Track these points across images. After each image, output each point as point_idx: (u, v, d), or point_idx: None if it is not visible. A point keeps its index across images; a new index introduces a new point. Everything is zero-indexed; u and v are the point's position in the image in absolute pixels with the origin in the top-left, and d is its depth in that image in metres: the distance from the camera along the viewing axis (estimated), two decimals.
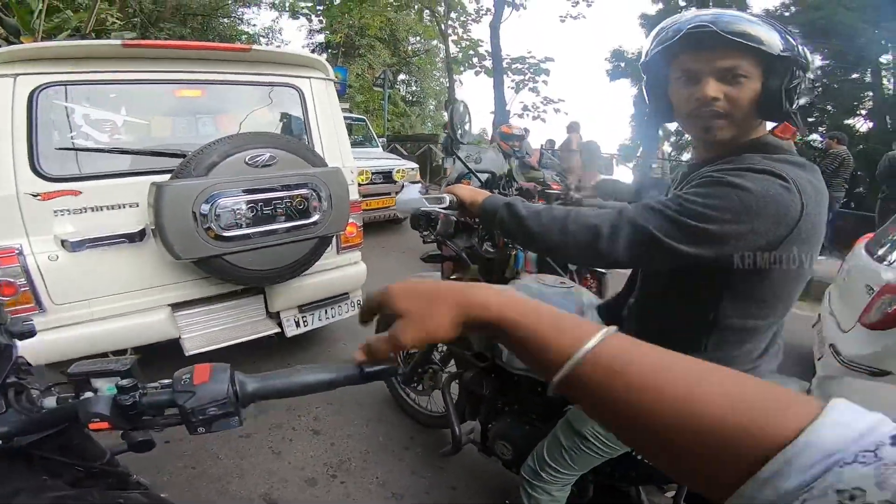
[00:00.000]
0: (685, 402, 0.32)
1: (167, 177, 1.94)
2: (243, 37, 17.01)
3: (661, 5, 14.15)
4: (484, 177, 1.63)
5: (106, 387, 0.53)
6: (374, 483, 1.92)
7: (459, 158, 1.40)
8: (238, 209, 1.96)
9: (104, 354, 2.02)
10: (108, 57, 2.00)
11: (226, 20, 16.84)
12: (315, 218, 2.18)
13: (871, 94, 12.74)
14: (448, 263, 1.63)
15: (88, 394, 0.54)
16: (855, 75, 12.66)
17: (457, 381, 1.72)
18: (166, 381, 0.54)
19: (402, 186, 1.16)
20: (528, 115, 13.12)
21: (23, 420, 0.55)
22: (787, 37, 0.83)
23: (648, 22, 14.02)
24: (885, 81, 12.49)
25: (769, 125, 0.93)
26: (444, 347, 1.76)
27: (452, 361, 1.84)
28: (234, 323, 2.39)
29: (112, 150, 2.02)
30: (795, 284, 0.90)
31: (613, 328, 0.39)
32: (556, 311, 0.42)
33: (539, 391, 1.42)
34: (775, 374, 1.01)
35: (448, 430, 1.71)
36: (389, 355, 0.49)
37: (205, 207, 1.88)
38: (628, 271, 1.18)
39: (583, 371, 0.37)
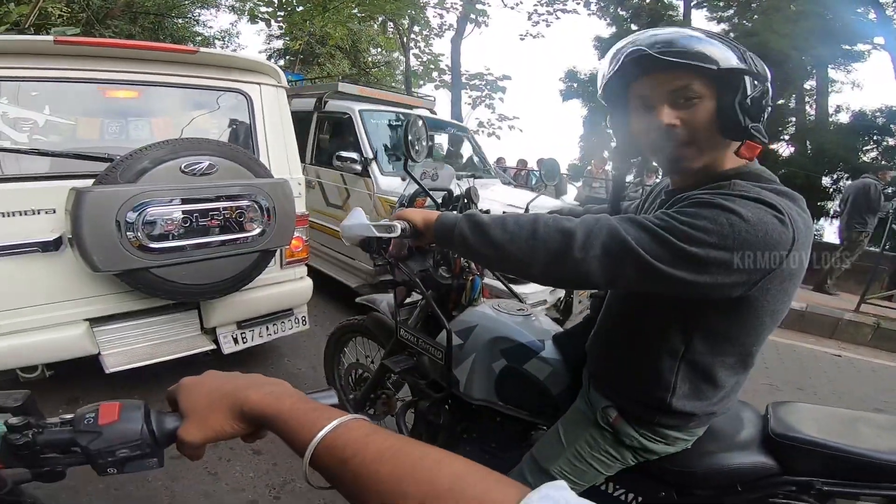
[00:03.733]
0: (390, 495, 0.36)
1: (90, 182, 1.79)
2: (197, 38, 16.32)
3: (614, 28, 14.59)
4: (440, 195, 1.55)
5: None
6: None
7: (414, 179, 1.28)
8: (170, 220, 1.83)
9: (12, 371, 1.86)
10: (38, 53, 1.83)
11: (180, 21, 16.11)
12: (257, 231, 2.07)
13: (794, 119, 13.79)
14: (401, 289, 1.52)
15: None
16: (781, 101, 13.63)
17: (412, 409, 1.62)
18: (69, 415, 0.49)
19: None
20: (483, 131, 13.23)
21: None
22: (732, 48, 0.79)
23: (602, 45, 14.53)
24: (807, 108, 13.57)
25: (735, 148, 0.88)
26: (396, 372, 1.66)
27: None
28: (164, 339, 2.21)
29: (26, 151, 1.83)
30: (771, 322, 0.85)
31: (350, 417, 0.43)
32: (299, 401, 0.47)
33: (498, 421, 1.36)
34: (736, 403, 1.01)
35: None
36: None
37: (131, 216, 1.73)
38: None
39: (319, 458, 0.41)
